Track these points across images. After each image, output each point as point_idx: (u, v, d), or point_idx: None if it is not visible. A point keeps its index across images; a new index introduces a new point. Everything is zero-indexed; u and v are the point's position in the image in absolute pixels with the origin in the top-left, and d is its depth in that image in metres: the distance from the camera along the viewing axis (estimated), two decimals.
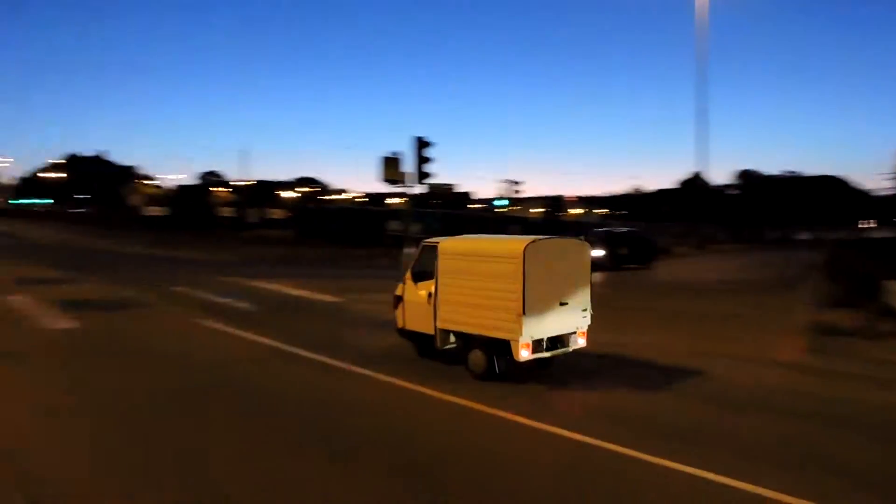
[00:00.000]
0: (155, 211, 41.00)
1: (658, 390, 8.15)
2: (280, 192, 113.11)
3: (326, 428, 6.68)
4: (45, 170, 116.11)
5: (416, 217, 25.74)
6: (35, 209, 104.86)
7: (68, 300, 14.89)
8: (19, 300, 14.67)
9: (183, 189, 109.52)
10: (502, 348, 8.30)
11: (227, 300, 15.70)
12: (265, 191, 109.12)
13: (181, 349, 10.42)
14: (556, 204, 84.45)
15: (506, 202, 76.07)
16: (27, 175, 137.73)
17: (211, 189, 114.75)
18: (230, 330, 12.04)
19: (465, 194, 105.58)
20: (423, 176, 19.12)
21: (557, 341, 8.56)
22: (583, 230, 30.69)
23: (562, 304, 8.47)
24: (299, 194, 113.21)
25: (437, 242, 9.03)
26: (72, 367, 9.12)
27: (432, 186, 21.37)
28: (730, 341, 11.13)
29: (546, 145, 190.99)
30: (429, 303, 9.09)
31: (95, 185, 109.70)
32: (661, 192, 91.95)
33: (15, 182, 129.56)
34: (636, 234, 26.50)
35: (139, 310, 14.23)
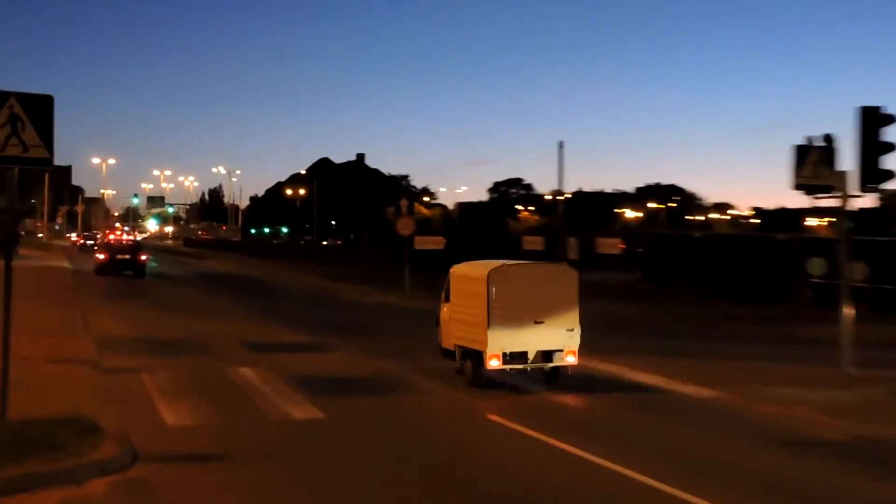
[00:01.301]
0: (430, 243, 44.80)
1: None
2: (620, 210, 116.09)
3: None
4: (286, 184, 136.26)
5: (859, 250, 23.81)
6: (272, 241, 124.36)
7: (309, 376, 16.87)
8: (247, 374, 17.04)
9: (467, 209, 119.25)
10: (480, 359, 15.67)
11: (526, 383, 16.42)
12: (591, 207, 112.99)
13: (463, 461, 10.88)
14: None
15: None
16: (263, 194, 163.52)
17: (516, 206, 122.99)
18: (535, 434, 12.36)
19: None
20: (875, 177, 17.49)
21: (543, 358, 15.79)
22: None
23: (537, 322, 15.60)
24: (644, 213, 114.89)
25: (452, 268, 17.02)
26: (312, 478, 10.04)
27: (891, 196, 19.52)
28: None
29: None
30: (448, 322, 16.89)
31: (350, 202, 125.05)
32: None
33: (247, 205, 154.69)
34: None
35: (402, 393, 15.55)
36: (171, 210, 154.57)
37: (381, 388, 16.11)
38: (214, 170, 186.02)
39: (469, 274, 16.51)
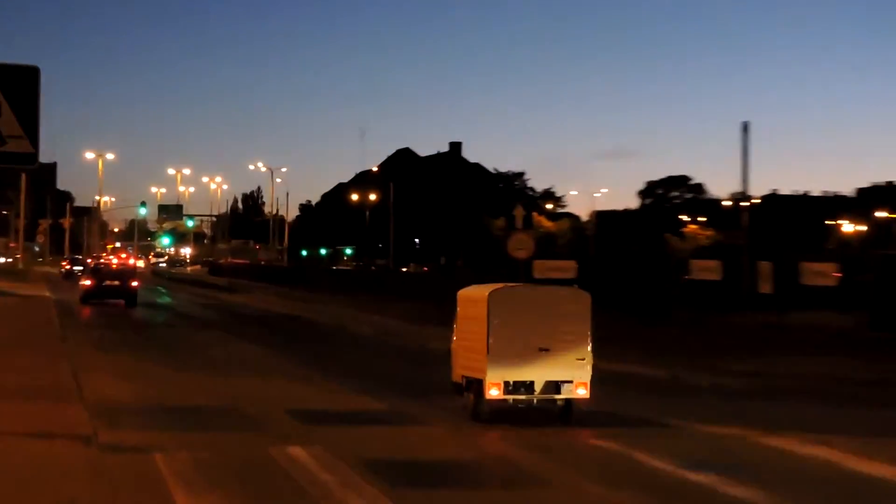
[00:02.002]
0: (555, 269, 44.51)
1: None
2: (834, 221, 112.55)
3: None
4: (350, 186, 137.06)
5: None
6: (331, 267, 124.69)
7: (385, 460, 16.87)
8: (299, 456, 17.10)
9: (608, 220, 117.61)
10: (481, 388, 19.80)
11: (737, 491, 15.79)
12: (791, 217, 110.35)
13: None
14: None
15: None
16: (318, 200, 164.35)
17: (680, 216, 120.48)
18: None
19: None
20: None
21: (551, 389, 19.92)
22: None
23: (541, 350, 19.76)
24: (869, 225, 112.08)
25: (459, 291, 21.74)
26: None
27: None
28: None
29: None
30: (456, 351, 21.45)
31: (441, 211, 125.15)
32: None
33: (295, 216, 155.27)
34: None
35: (520, 486, 15.37)
36: (190, 224, 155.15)
37: (489, 477, 16.03)
38: (252, 167, 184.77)
39: (471, 297, 21.23)
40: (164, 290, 79.54)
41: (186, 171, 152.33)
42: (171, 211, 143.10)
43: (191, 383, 26.72)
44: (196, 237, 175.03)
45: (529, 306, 20.31)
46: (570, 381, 19.84)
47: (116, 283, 59.96)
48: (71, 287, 66.66)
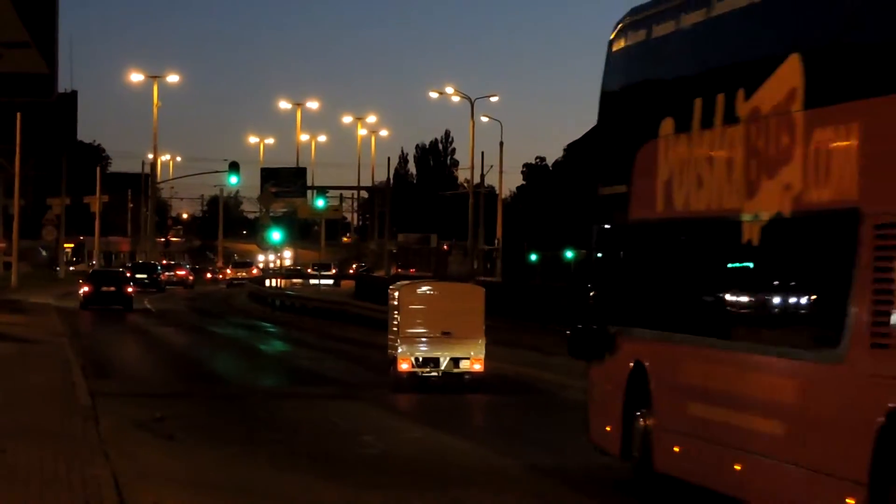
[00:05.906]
0: None
1: None
2: None
3: None
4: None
5: None
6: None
7: None
8: None
9: None
10: (396, 364, 32.41)
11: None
12: None
13: None
14: None
15: None
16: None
17: None
18: None
19: None
20: None
21: (454, 364, 30.66)
22: None
23: (444, 333, 30.70)
24: None
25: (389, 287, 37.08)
26: None
27: None
28: None
29: None
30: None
31: None
32: None
33: (519, 186, 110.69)
34: None
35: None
36: (320, 203, 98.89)
37: None
38: (434, 94, 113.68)
39: (392, 291, 31.36)
40: (273, 328, 60.26)
41: (312, 106, 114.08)
42: (284, 178, 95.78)
43: None
44: (330, 228, 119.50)
45: (432, 298, 30.25)
46: (468, 358, 29.02)
47: (112, 288, 65.59)
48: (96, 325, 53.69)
